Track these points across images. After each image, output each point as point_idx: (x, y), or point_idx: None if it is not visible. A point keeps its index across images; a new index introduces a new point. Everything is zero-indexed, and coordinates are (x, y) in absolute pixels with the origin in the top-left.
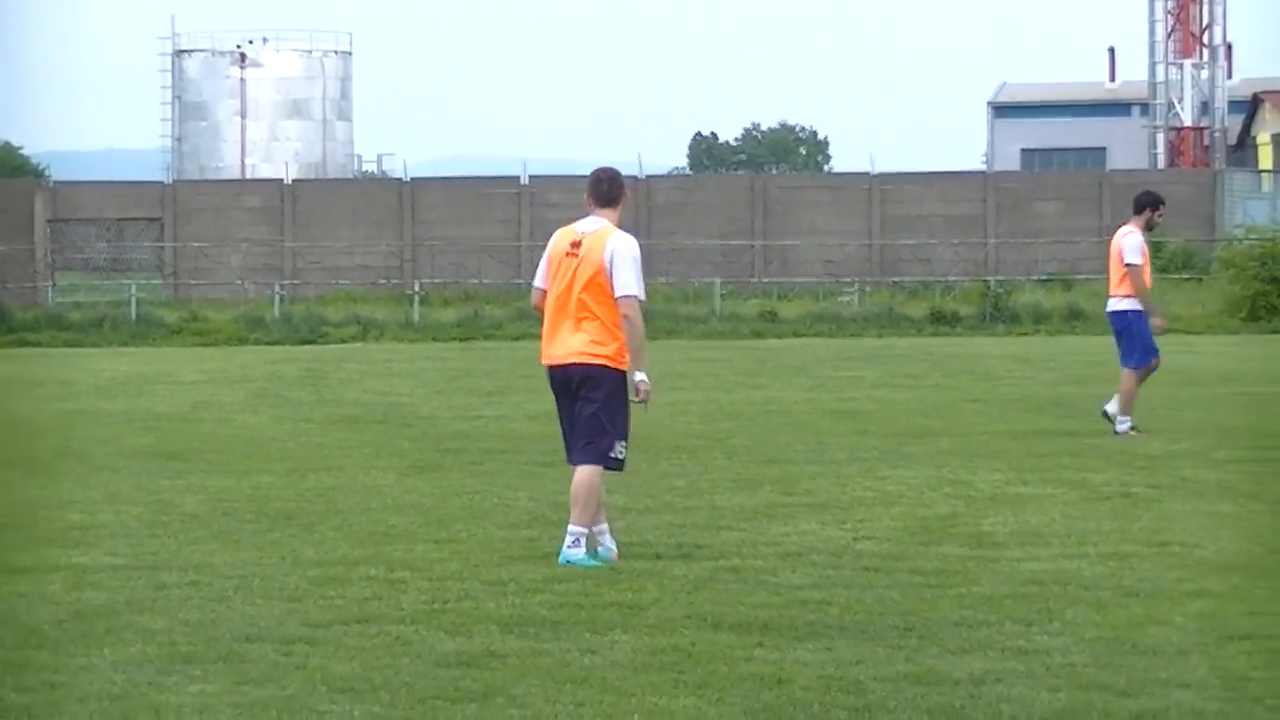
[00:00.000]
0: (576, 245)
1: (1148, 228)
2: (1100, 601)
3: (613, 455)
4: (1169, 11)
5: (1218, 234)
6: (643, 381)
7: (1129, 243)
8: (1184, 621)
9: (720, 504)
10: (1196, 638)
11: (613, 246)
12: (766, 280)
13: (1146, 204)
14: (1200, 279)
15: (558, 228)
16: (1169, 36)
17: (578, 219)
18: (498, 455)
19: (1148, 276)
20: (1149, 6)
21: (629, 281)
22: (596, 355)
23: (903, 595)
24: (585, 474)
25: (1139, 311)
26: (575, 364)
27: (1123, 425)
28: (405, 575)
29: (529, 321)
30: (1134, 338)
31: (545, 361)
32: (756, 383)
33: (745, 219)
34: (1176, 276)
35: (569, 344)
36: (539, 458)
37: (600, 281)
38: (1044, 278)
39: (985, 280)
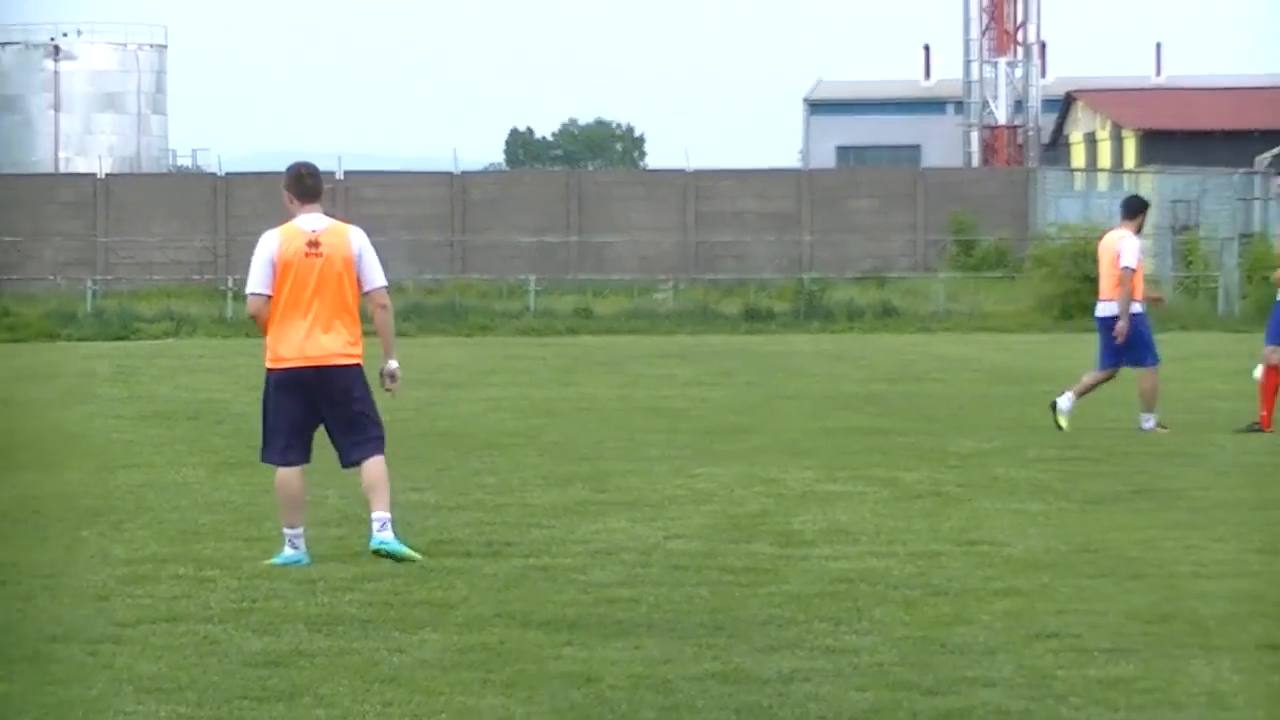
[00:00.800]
0: (315, 245)
1: (1138, 231)
2: (909, 600)
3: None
4: (984, 10)
5: (1030, 232)
6: (397, 369)
7: (1128, 245)
8: (991, 620)
9: (531, 501)
10: (1004, 636)
11: (358, 241)
12: (582, 277)
13: (1139, 209)
14: (1013, 277)
15: (365, 223)
16: (984, 35)
17: (296, 218)
18: None
19: (1140, 280)
20: (964, 5)
21: (379, 272)
22: (353, 355)
23: (712, 593)
24: (379, 463)
25: (1139, 314)
26: (337, 365)
27: (1148, 423)
28: (214, 574)
29: None
30: (1139, 337)
31: (295, 363)
32: (570, 379)
33: (561, 215)
34: (989, 275)
35: (325, 345)
36: None
37: (350, 277)
38: (858, 275)
39: (800, 277)
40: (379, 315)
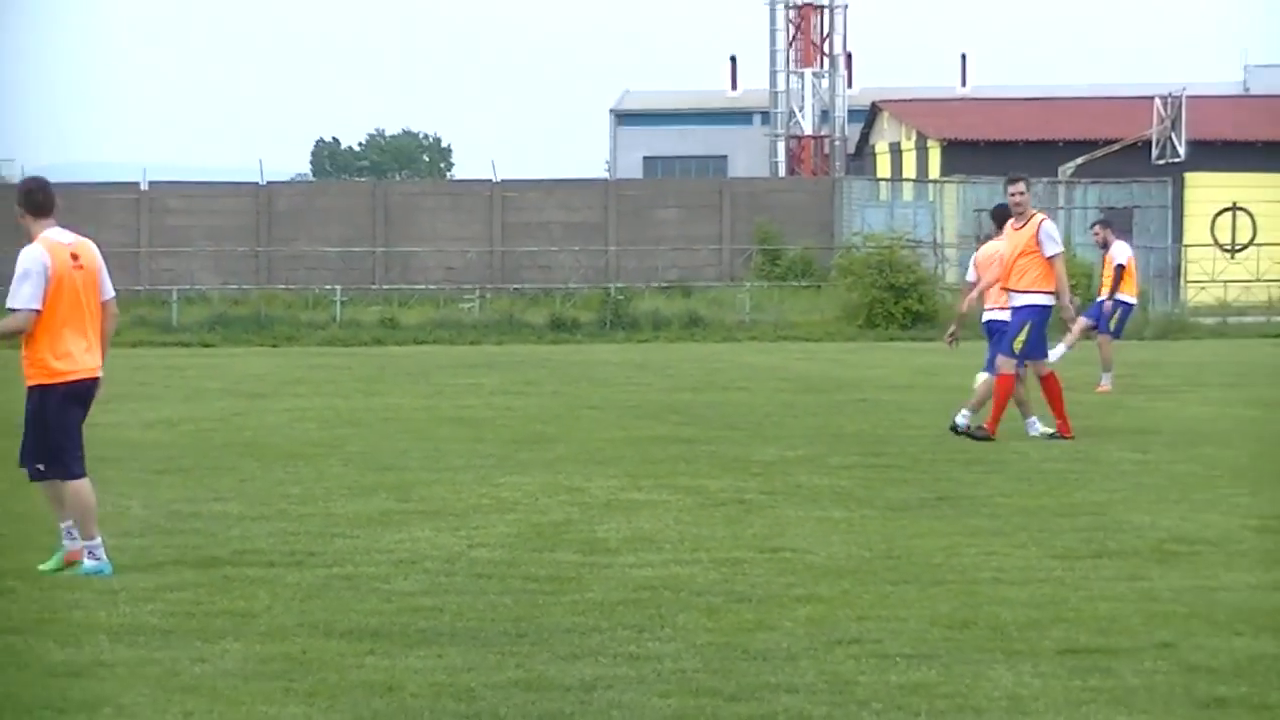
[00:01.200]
0: (77, 258)
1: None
2: (711, 607)
3: None
4: (790, 21)
5: (836, 241)
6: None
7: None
8: (793, 626)
9: (335, 511)
10: (805, 642)
11: (98, 253)
12: (387, 287)
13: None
14: (819, 286)
15: (170, 234)
16: (790, 46)
17: (50, 232)
18: (112, 462)
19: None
20: (770, 15)
21: (110, 284)
22: (101, 366)
23: (515, 602)
24: (89, 483)
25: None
26: (98, 378)
27: (961, 418)
28: (15, 585)
29: (149, 328)
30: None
31: (79, 375)
32: (375, 390)
33: (367, 226)
34: (795, 284)
35: (94, 357)
36: (153, 465)
37: (98, 289)
38: (664, 285)
39: (606, 287)
40: (111, 324)
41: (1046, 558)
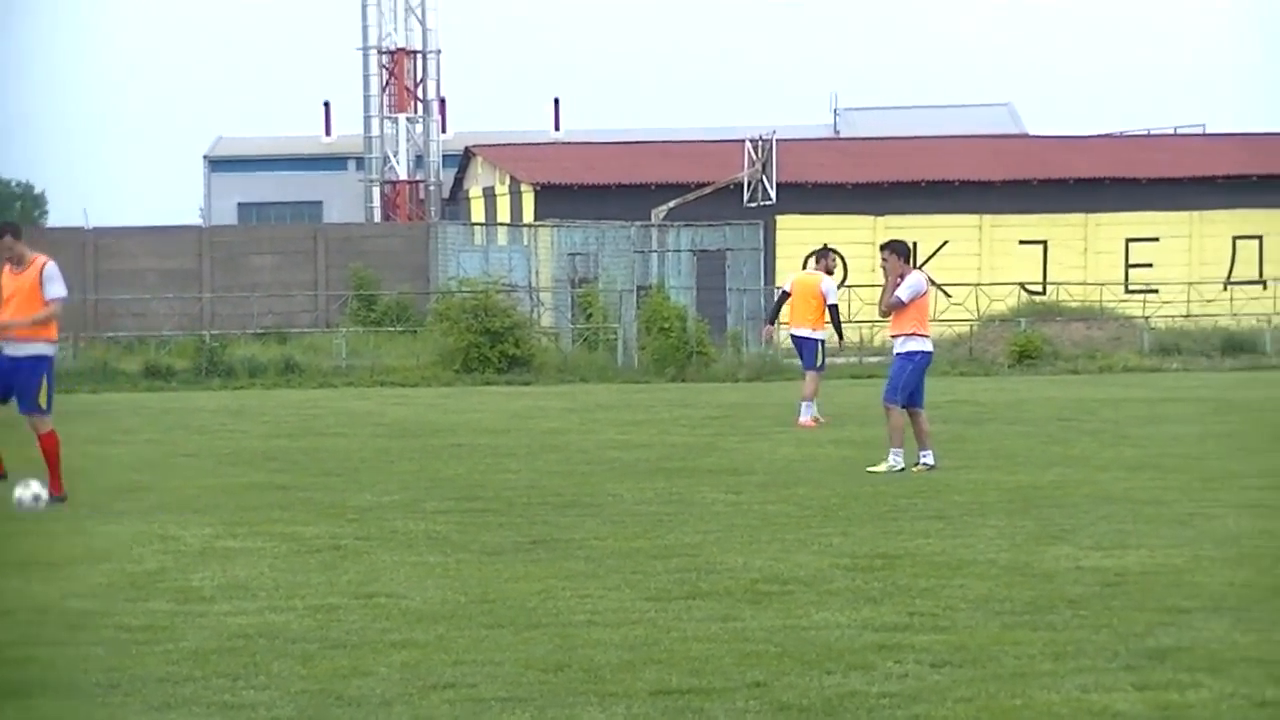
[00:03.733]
0: None
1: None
2: (306, 654)
3: None
4: (383, 66)
5: (432, 286)
6: None
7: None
8: (388, 672)
9: None
10: (400, 687)
11: None
12: None
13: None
14: (415, 331)
15: None
16: (384, 91)
17: None
18: None
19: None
20: (363, 61)
21: None
22: None
23: (107, 651)
24: None
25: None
26: None
27: (805, 414)
28: None
29: None
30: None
31: None
32: None
33: None
34: (391, 329)
35: None
36: None
37: None
38: (260, 331)
39: (201, 334)
40: None
41: (640, 599)
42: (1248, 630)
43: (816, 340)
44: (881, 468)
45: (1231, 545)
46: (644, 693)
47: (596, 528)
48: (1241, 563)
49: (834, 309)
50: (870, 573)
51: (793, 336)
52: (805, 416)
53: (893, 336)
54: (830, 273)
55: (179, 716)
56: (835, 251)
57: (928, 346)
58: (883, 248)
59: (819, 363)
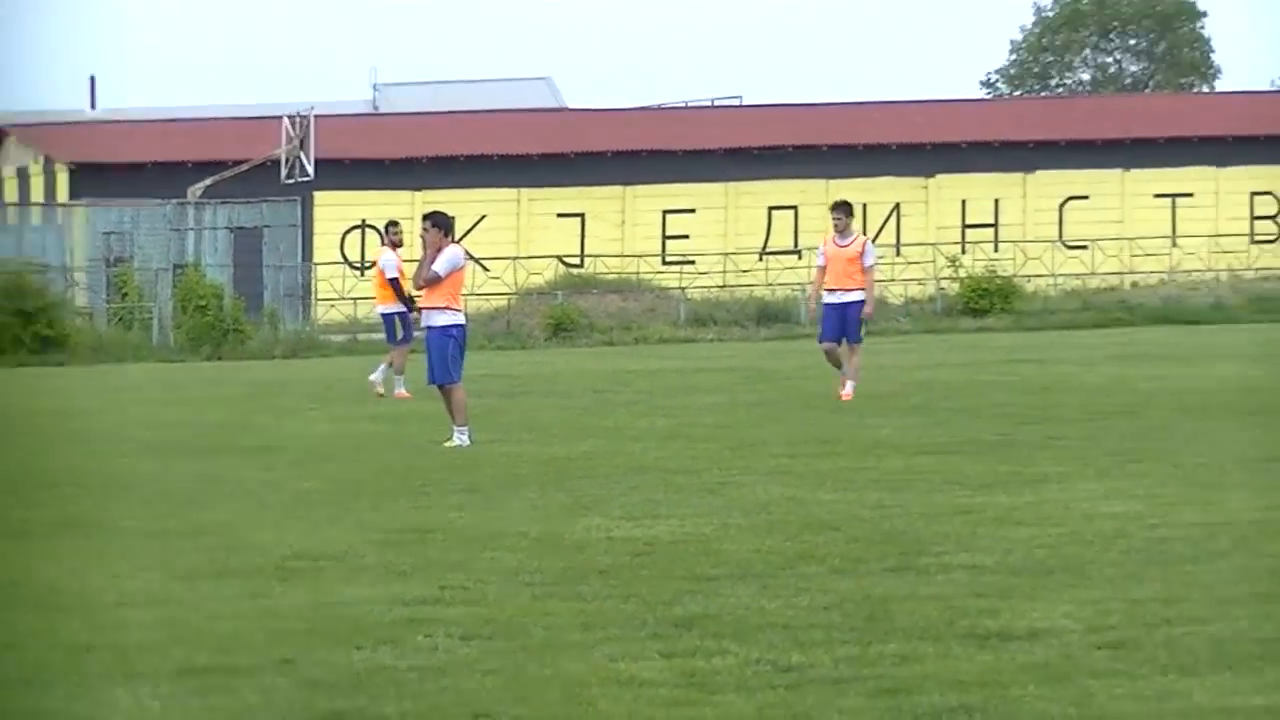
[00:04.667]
0: None
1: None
2: None
3: None
4: None
5: None
6: None
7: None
8: None
9: None
10: None
11: None
12: None
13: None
14: None
15: None
16: None
17: None
18: None
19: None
20: None
21: None
22: None
23: None
24: None
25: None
26: None
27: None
28: None
29: None
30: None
31: None
32: None
33: None
34: None
35: None
36: None
37: None
38: None
39: None
40: None
41: (170, 579)
42: (773, 597)
43: (394, 314)
44: (454, 443)
45: (759, 513)
46: (171, 672)
47: (127, 508)
48: (769, 530)
49: (394, 281)
50: (401, 547)
51: (382, 314)
52: (400, 389)
53: (426, 310)
54: (397, 247)
55: None
56: (395, 225)
57: (461, 320)
58: (424, 218)
59: (401, 336)
